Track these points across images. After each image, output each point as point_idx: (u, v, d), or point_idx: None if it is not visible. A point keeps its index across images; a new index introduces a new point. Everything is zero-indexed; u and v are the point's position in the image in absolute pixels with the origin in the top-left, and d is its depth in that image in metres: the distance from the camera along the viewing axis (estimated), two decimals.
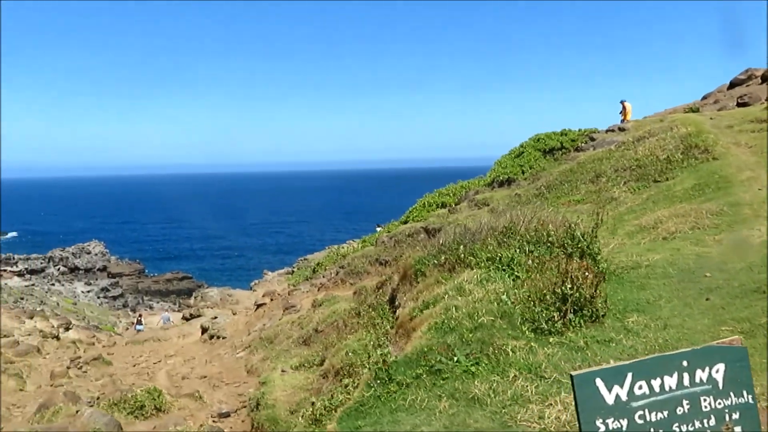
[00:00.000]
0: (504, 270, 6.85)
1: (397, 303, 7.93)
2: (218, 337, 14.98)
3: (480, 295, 5.89)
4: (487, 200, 13.45)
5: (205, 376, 12.02)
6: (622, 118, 17.89)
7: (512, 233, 7.80)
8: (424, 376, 4.41)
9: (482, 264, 7.06)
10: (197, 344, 15.67)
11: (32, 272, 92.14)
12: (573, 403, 3.56)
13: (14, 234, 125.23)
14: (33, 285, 79.16)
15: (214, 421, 8.55)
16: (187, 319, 19.16)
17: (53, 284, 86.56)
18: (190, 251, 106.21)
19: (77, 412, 7.25)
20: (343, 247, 17.23)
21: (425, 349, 4.75)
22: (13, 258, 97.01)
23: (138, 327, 27.52)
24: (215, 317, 16.12)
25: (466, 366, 4.47)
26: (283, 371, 8.87)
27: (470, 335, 4.93)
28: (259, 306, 15.65)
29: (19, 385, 11.69)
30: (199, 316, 19.15)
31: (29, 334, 18.19)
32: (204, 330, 15.85)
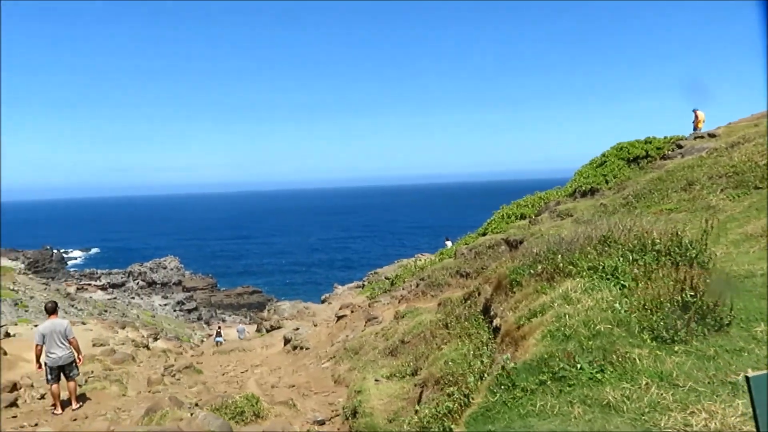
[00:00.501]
0: (608, 279, 6.70)
1: (492, 313, 7.89)
2: (301, 348, 15.31)
3: (590, 303, 5.80)
4: (570, 211, 13.18)
5: (293, 386, 12.30)
6: (695, 126, 17.16)
7: (611, 242, 7.63)
8: (549, 382, 4.38)
9: (584, 273, 6.93)
10: (281, 355, 16.07)
11: (114, 286, 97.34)
12: (720, 409, 3.47)
13: (97, 250, 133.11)
14: (115, 298, 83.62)
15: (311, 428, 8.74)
16: (268, 331, 19.69)
17: (133, 298, 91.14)
18: (259, 266, 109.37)
19: (191, 414, 7.59)
20: (419, 260, 17.27)
21: (545, 356, 4.72)
22: (97, 273, 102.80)
23: (217, 339, 28.60)
24: (297, 329, 16.51)
25: (591, 373, 4.41)
26: (376, 380, 8.97)
27: (589, 343, 4.86)
28: (339, 318, 15.91)
29: (122, 391, 12.36)
30: (279, 327, 19.66)
31: (123, 344, 19.23)
32: (287, 341, 16.25)
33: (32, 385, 12.72)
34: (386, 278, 21.34)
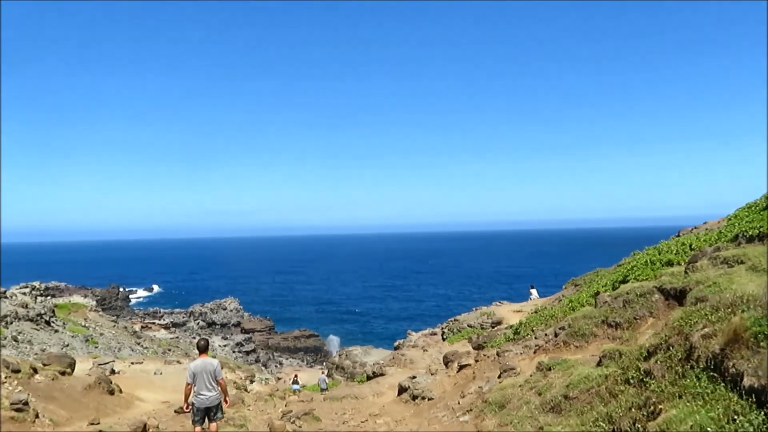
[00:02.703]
0: None
1: (733, 371, 6.82)
2: (423, 398, 14.33)
3: None
4: (739, 257, 11.94)
5: None
6: None
7: None
8: None
9: None
10: (398, 404, 15.11)
11: (176, 325, 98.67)
12: None
13: (159, 289, 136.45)
14: (177, 338, 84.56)
15: None
16: (370, 378, 18.80)
17: (194, 337, 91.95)
18: (314, 311, 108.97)
19: None
20: (545, 308, 16.17)
21: None
22: (160, 312, 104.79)
23: (294, 386, 27.63)
24: (413, 377, 15.55)
25: None
26: None
27: None
28: (462, 367, 14.89)
29: None
30: (381, 375, 18.76)
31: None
32: (402, 389, 15.32)
33: (158, 427, 12.20)
34: (510, 326, 20.23)
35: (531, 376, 12.36)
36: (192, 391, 10.03)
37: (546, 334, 13.96)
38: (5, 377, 11.83)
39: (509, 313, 34.79)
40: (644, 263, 14.16)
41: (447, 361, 18.42)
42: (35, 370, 12.82)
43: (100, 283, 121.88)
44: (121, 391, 14.66)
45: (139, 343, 49.46)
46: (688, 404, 7.06)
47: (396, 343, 43.75)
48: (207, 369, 10.02)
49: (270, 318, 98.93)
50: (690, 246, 14.51)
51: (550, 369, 12.09)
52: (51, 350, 37.98)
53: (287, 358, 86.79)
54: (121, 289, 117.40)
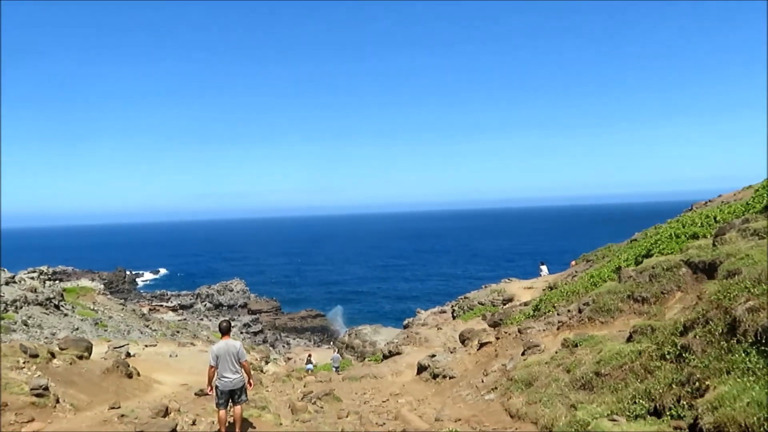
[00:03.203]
0: None
1: None
2: (444, 377, 14.16)
3: None
4: None
5: (459, 419, 11.12)
6: None
7: None
8: None
9: None
10: (418, 383, 14.95)
11: (183, 307, 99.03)
12: None
13: (165, 271, 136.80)
14: (185, 320, 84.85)
15: None
16: (387, 357, 18.65)
17: (201, 319, 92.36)
18: (323, 293, 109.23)
19: None
20: (565, 284, 15.89)
21: None
22: (167, 294, 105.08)
23: (308, 366, 27.56)
24: (433, 355, 15.37)
25: None
26: (613, 420, 7.70)
27: None
28: (482, 345, 14.69)
29: (276, 420, 11.49)
30: (398, 353, 18.61)
31: None
32: (422, 368, 15.15)
33: (179, 410, 12.04)
34: (524, 304, 20.00)
35: (556, 353, 12.14)
36: (215, 374, 9.82)
37: (569, 311, 13.71)
38: (23, 362, 11.65)
39: (520, 290, 34.60)
40: (668, 236, 13.84)
41: (464, 339, 18.24)
42: (53, 355, 12.64)
43: (105, 266, 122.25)
44: (138, 375, 14.51)
45: (147, 326, 49.54)
46: (738, 380, 6.80)
47: (405, 322, 43.68)
48: (230, 351, 9.79)
49: (276, 299, 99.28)
50: (714, 218, 14.18)
51: (576, 345, 11.87)
52: (61, 334, 38.08)
53: (294, 338, 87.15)
54: (127, 273, 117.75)
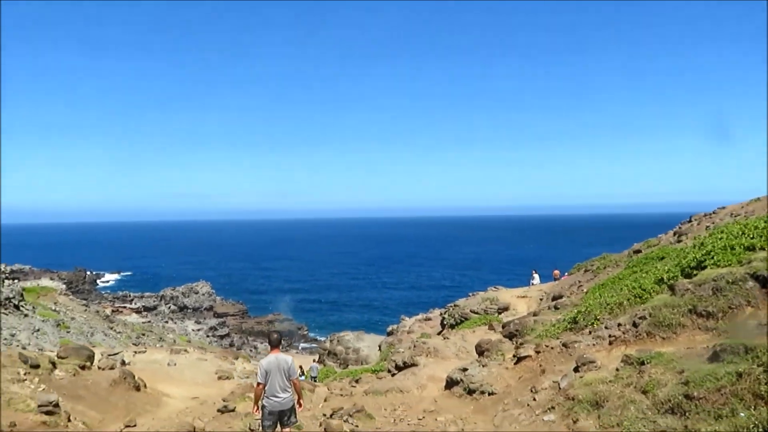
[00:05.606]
0: None
1: None
2: (482, 393, 13.10)
3: None
4: None
5: None
6: None
7: None
8: None
9: None
10: (450, 398, 13.84)
11: (147, 309, 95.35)
12: None
13: (129, 273, 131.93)
14: (150, 322, 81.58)
15: None
16: (401, 369, 17.53)
17: (166, 322, 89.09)
18: (286, 294, 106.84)
19: None
20: (613, 296, 15.02)
21: None
22: (130, 296, 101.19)
23: (301, 377, 26.29)
24: (465, 369, 14.29)
25: None
26: None
27: None
28: (521, 359, 13.70)
29: None
30: (414, 365, 17.50)
31: (247, 377, 17.13)
32: (453, 382, 14.06)
33: (204, 429, 10.65)
34: (534, 314, 19.10)
35: (618, 370, 11.21)
36: (263, 393, 8.54)
37: (619, 324, 12.84)
38: (24, 374, 10.08)
39: (513, 298, 33.87)
40: (722, 247, 13.16)
41: (482, 351, 17.22)
42: (54, 365, 11.07)
43: (64, 266, 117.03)
44: (146, 387, 12.97)
45: (112, 328, 47.05)
46: None
47: (389, 329, 42.44)
48: (281, 367, 8.53)
49: (242, 302, 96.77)
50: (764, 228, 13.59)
51: (643, 363, 10.94)
52: (21, 335, 35.59)
53: (262, 342, 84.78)
54: (88, 273, 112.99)
